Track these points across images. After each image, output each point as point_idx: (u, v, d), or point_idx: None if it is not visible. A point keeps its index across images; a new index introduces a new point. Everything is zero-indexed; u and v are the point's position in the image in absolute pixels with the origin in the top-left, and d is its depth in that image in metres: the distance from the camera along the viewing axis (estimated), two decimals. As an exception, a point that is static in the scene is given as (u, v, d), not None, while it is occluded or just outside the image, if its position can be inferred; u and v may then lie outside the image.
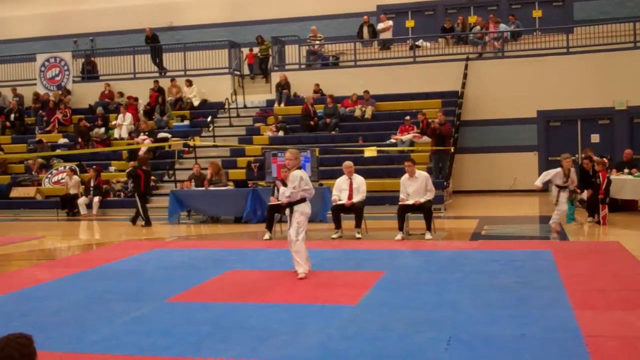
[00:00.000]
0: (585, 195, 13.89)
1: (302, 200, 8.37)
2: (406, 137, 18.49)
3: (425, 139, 18.02)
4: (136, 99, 22.81)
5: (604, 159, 14.56)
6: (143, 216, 15.00)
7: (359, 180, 12.37)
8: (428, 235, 11.65)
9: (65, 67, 24.66)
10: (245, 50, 23.89)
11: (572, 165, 11.93)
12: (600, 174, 13.59)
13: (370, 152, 17.57)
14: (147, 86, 22.86)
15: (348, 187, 12.28)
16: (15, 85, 24.64)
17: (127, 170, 16.59)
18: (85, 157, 20.70)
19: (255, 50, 23.77)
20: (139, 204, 15.02)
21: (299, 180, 8.29)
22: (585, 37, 20.68)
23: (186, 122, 21.99)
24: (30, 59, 25.28)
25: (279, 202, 8.53)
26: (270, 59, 23.44)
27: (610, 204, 13.82)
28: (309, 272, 8.30)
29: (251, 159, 18.56)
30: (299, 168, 8.52)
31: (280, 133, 20.05)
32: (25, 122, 23.50)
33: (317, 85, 21.85)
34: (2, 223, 16.99)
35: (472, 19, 23.14)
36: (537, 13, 23.14)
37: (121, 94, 23.38)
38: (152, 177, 16.97)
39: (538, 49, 21.03)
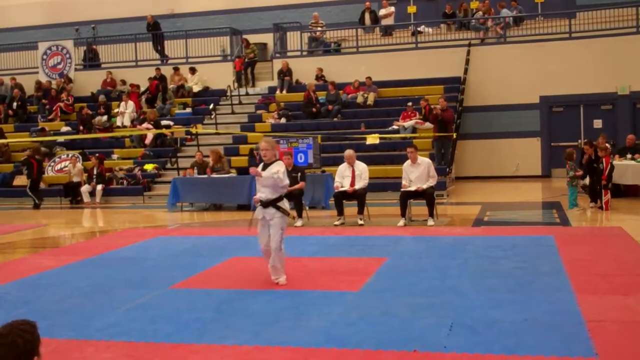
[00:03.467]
0: (587, 180, 13.89)
1: (281, 197, 7.24)
2: (408, 123, 18.46)
3: (428, 125, 18.00)
4: (138, 87, 22.78)
5: (607, 145, 14.54)
6: (34, 198, 17.28)
7: (361, 167, 12.35)
8: (430, 222, 11.67)
9: (67, 55, 24.61)
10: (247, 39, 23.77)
11: None
12: (603, 159, 13.58)
13: (372, 139, 17.54)
14: (149, 74, 22.81)
15: (350, 174, 12.27)
16: (17, 74, 24.60)
17: (22, 159, 18.62)
18: (88, 145, 20.70)
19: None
20: (28, 189, 17.39)
21: (284, 171, 7.20)
22: (588, 22, 20.55)
23: (188, 110, 21.98)
24: (32, 47, 25.25)
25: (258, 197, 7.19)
26: (274, 45, 23.35)
27: (613, 189, 13.81)
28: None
29: (253, 146, 18.53)
30: (276, 161, 7.29)
31: (283, 120, 20.02)
32: (28, 111, 23.51)
33: (320, 69, 21.77)
34: (5, 211, 17.04)
35: (474, 4, 23.01)
36: (539, -2, 22.98)
37: (123, 82, 23.36)
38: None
39: (540, 34, 20.92)
